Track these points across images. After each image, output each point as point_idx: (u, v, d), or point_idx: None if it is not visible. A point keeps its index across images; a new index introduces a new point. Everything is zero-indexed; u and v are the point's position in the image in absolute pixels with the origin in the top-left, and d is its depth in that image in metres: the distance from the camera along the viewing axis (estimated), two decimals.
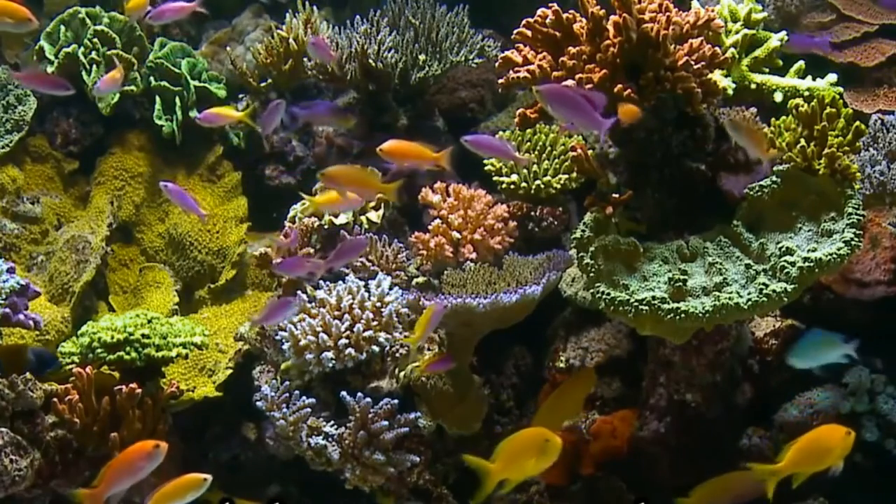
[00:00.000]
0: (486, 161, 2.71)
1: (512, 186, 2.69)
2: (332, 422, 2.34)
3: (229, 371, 2.61)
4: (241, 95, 3.20)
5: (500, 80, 2.19)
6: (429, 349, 2.44)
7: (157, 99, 3.08)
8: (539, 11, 2.12)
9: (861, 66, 2.72)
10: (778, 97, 2.41)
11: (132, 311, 2.55)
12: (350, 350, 2.33)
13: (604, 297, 1.97)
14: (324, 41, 2.67)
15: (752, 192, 2.12)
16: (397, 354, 2.42)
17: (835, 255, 1.91)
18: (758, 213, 2.12)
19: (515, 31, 2.16)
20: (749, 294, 1.91)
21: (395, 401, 2.31)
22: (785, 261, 1.93)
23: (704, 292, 1.97)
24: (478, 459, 1.88)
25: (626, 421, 2.35)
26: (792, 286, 1.91)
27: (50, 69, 3.08)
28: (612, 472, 2.36)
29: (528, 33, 2.13)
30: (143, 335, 2.32)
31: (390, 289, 2.46)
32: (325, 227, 2.76)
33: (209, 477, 1.96)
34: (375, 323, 2.38)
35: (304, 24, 3.10)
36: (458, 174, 2.90)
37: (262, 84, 3.13)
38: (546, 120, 2.26)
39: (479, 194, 2.68)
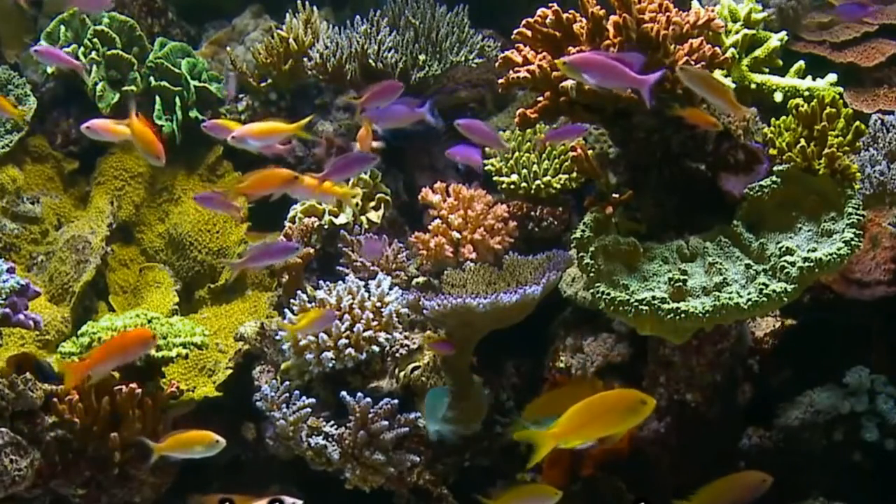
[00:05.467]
0: (486, 161, 2.71)
1: (512, 186, 2.69)
2: (332, 422, 2.34)
3: (229, 371, 2.61)
4: (241, 95, 3.20)
5: (500, 80, 2.19)
6: (429, 349, 2.44)
7: (157, 99, 3.08)
8: (539, 11, 2.12)
9: (861, 66, 2.73)
10: (778, 97, 2.41)
11: (132, 311, 2.55)
12: (350, 350, 2.33)
13: (604, 297, 1.97)
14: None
15: (752, 192, 2.12)
16: (397, 354, 2.42)
17: (835, 255, 1.91)
18: (758, 213, 2.12)
19: (515, 31, 2.15)
20: (749, 294, 1.91)
21: (395, 401, 2.31)
22: (785, 261, 1.93)
23: (704, 292, 1.97)
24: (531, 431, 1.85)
25: None
26: (792, 286, 1.90)
27: (50, 69, 3.08)
28: (612, 472, 2.36)
29: (528, 33, 2.13)
30: None
31: (390, 289, 2.46)
32: (326, 227, 2.76)
33: (222, 440, 2.00)
34: (375, 323, 2.38)
35: (304, 24, 3.10)
36: (459, 174, 2.91)
37: (262, 84, 3.13)
38: (547, 120, 2.26)
39: (479, 194, 2.68)
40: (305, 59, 3.01)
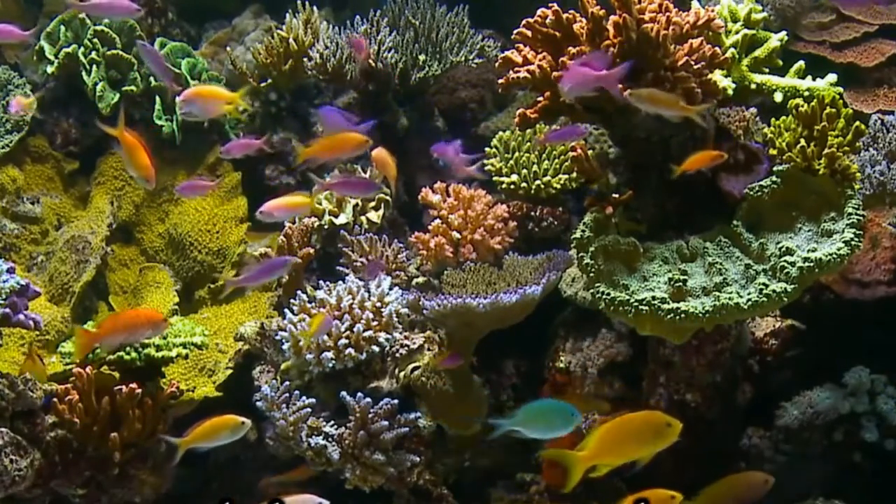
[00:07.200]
0: (486, 161, 2.71)
1: (512, 186, 2.69)
2: (332, 422, 2.34)
3: (229, 371, 2.61)
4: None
5: (500, 81, 2.19)
6: (429, 349, 2.44)
7: (157, 99, 3.08)
8: (539, 11, 2.12)
9: (861, 66, 2.73)
10: (778, 97, 2.41)
11: None
12: (350, 350, 2.33)
13: (604, 297, 1.97)
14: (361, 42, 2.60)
15: (752, 192, 2.12)
16: (397, 354, 2.42)
17: (835, 256, 1.91)
18: (758, 214, 2.12)
19: (515, 32, 2.16)
20: (749, 294, 1.91)
21: (395, 401, 2.31)
22: (785, 261, 1.93)
23: (704, 292, 1.97)
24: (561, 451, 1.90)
25: None
26: (792, 286, 1.91)
27: (50, 69, 3.08)
28: (612, 472, 2.35)
29: (528, 33, 2.13)
30: None
31: (390, 289, 2.46)
32: (326, 227, 2.76)
33: (248, 421, 2.01)
34: (375, 323, 2.38)
35: (304, 25, 3.10)
36: None
37: (262, 84, 3.13)
38: (547, 120, 2.26)
39: (479, 194, 2.68)
40: (305, 60, 3.00)
